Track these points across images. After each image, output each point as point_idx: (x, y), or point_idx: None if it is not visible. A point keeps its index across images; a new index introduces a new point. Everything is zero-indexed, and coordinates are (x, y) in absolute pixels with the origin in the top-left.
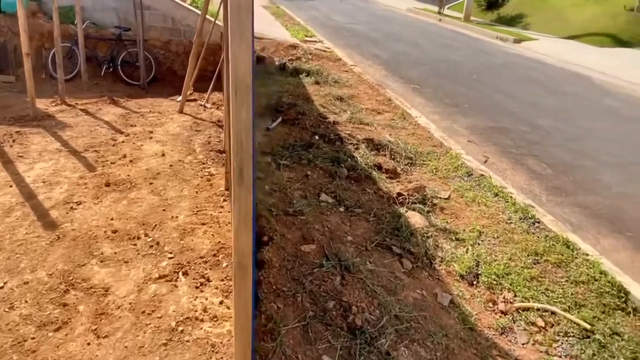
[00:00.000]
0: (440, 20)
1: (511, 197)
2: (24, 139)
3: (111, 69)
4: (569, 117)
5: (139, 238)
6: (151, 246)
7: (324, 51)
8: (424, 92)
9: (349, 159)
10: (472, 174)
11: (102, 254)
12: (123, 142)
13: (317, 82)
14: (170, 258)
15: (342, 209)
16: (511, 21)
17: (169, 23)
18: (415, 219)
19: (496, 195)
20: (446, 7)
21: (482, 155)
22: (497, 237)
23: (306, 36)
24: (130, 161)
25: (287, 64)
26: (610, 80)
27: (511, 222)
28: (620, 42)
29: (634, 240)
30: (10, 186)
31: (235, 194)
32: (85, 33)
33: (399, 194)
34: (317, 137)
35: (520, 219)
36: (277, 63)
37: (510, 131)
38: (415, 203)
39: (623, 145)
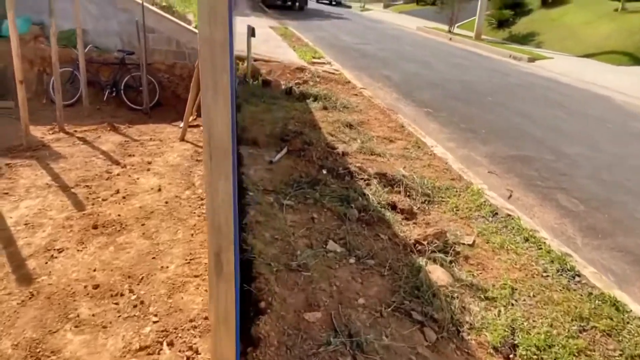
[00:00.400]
0: (450, 39)
1: (544, 242)
2: (13, 172)
3: (114, 94)
4: (595, 142)
5: (122, 295)
6: (135, 306)
7: (333, 73)
8: (438, 116)
9: (360, 198)
10: (497, 214)
11: (78, 316)
12: (118, 175)
13: (325, 107)
14: (154, 322)
15: (352, 260)
16: (523, 39)
17: (173, 46)
18: (437, 273)
19: (527, 240)
20: (456, 25)
21: (505, 189)
22: (533, 295)
23: (314, 57)
24: (123, 197)
25: (293, 88)
26: (632, 101)
27: (548, 276)
28: (638, 60)
29: None
30: None
31: (212, 288)
32: (88, 57)
33: (417, 242)
34: (324, 172)
35: (558, 271)
36: (283, 87)
37: (534, 160)
38: (435, 252)
39: None
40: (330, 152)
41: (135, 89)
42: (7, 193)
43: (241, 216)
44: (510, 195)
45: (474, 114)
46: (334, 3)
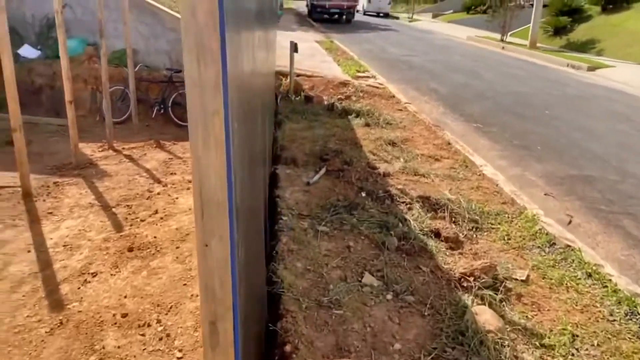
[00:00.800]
0: (503, 48)
1: (610, 280)
2: (59, 191)
3: (162, 111)
4: None
5: (149, 325)
6: (160, 339)
7: (377, 87)
8: (489, 131)
9: (401, 224)
10: (555, 244)
11: (103, 348)
12: (159, 194)
13: (367, 124)
14: (178, 358)
15: (390, 296)
16: (582, 47)
17: None
18: (486, 316)
19: (589, 275)
20: (509, 34)
21: (564, 213)
22: (598, 344)
23: (358, 71)
24: (161, 218)
25: (335, 103)
26: None
27: (614, 320)
28: None
29: None
30: (29, 251)
31: None
32: (138, 76)
33: (463, 276)
34: (363, 194)
35: (626, 314)
36: (325, 103)
37: (597, 180)
38: (483, 288)
39: None
40: (370, 172)
41: (183, 106)
42: (51, 212)
43: (273, 243)
44: (570, 222)
45: (528, 128)
46: (381, 15)
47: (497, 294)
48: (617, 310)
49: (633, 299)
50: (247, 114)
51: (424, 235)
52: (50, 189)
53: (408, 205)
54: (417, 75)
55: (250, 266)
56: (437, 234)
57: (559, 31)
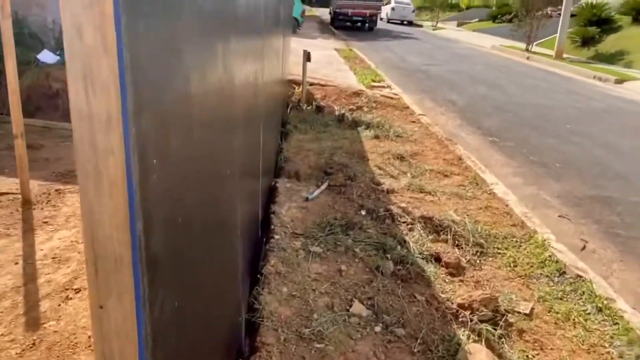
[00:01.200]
0: (528, 58)
1: (622, 316)
2: (59, 199)
3: None
4: None
5: None
6: None
7: (391, 98)
8: (504, 146)
9: (399, 246)
10: (565, 273)
11: None
12: None
13: (376, 137)
14: None
15: (378, 328)
16: (611, 59)
17: None
18: (481, 356)
19: (600, 310)
20: (535, 43)
21: (578, 238)
22: None
23: (373, 81)
24: None
25: (346, 114)
26: None
27: None
28: None
29: None
30: (16, 263)
31: None
32: None
33: (461, 307)
34: (363, 213)
35: (638, 358)
36: (336, 113)
37: (617, 202)
38: (482, 322)
39: None
40: (374, 188)
41: None
42: (46, 222)
43: (262, 264)
44: (584, 247)
45: (547, 144)
46: (405, 23)
47: (496, 329)
48: (628, 353)
49: None
50: (208, 128)
51: (423, 259)
52: (50, 196)
53: (409, 226)
54: (435, 86)
55: (191, 315)
56: (437, 259)
57: (587, 42)
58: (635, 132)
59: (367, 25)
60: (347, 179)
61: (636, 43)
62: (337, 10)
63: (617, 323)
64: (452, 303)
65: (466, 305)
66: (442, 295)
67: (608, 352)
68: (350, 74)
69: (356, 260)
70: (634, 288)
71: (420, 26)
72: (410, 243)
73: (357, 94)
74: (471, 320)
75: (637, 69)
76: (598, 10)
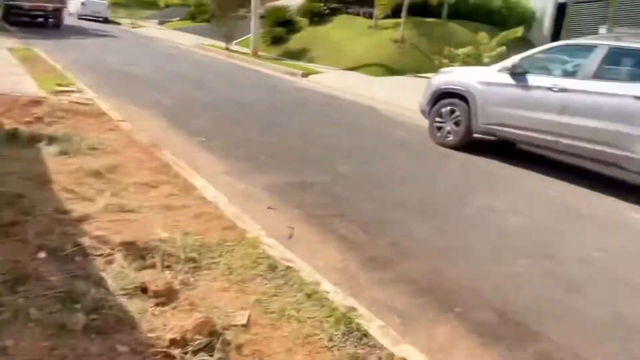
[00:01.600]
0: (229, 56)
1: (327, 297)
2: None
3: None
4: (369, 157)
5: None
6: None
7: (82, 104)
8: (213, 145)
9: (93, 289)
10: (276, 267)
11: None
12: None
13: (64, 152)
14: None
15: None
16: (297, 55)
17: None
18: None
19: (309, 297)
20: (234, 42)
21: (286, 227)
22: None
23: (60, 85)
24: None
25: (20, 129)
26: (395, 110)
27: (334, 346)
28: (391, 71)
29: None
30: None
31: None
32: None
33: (173, 343)
34: (42, 256)
35: (344, 335)
36: (5, 128)
37: (313, 185)
38: (197, 352)
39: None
40: (59, 219)
41: None
42: None
43: None
44: (292, 235)
45: (251, 138)
46: (100, 20)
47: (212, 355)
48: (336, 333)
49: (348, 314)
50: None
51: (126, 295)
52: None
53: (107, 258)
54: (138, 88)
55: None
56: (144, 289)
57: (276, 40)
58: (321, 120)
59: (50, 21)
60: (19, 214)
61: (315, 41)
62: (10, 2)
63: (324, 306)
64: (164, 341)
65: (179, 339)
66: (151, 335)
67: (320, 339)
68: (28, 78)
69: (29, 324)
70: (335, 265)
71: (119, 24)
72: (109, 280)
73: (37, 102)
74: (185, 354)
75: (318, 63)
76: (282, 13)
